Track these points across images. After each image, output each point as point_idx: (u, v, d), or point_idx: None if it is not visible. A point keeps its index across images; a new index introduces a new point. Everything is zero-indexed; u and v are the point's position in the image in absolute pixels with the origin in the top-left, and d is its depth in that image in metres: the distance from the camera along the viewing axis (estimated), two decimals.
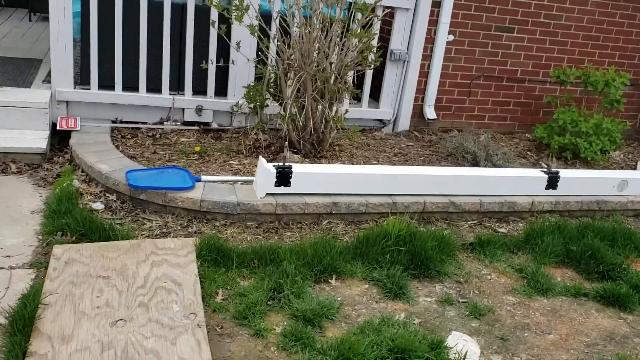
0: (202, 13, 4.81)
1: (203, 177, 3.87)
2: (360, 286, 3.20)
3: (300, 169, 3.79)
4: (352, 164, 4.68)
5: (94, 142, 4.38)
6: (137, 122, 4.99)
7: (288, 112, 4.23)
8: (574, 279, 3.59)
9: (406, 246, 3.40)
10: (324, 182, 3.83)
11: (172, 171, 3.91)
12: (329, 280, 3.19)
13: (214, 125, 5.17)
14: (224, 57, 4.83)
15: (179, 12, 4.88)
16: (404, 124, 5.68)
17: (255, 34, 4.11)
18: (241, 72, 4.92)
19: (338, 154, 4.82)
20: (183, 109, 5.06)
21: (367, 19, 4.50)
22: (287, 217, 3.80)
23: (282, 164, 3.76)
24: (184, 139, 4.87)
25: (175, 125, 5.05)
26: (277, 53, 4.25)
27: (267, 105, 4.38)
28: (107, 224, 3.41)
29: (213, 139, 4.94)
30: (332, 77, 4.33)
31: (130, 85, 4.94)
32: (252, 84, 4.25)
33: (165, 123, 5.03)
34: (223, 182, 3.93)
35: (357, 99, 5.50)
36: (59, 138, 4.63)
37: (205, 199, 3.63)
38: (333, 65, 4.27)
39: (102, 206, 3.71)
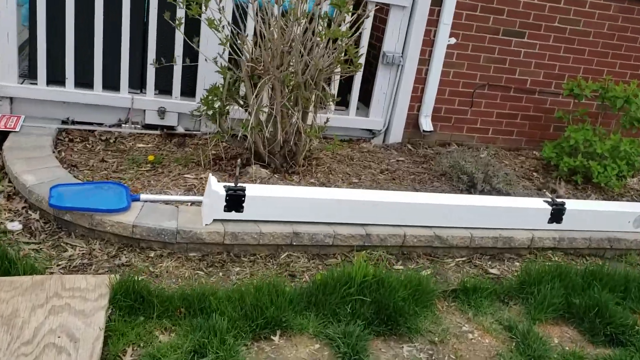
0: (167, 2, 4.23)
1: (142, 196, 3.29)
2: (310, 346, 2.60)
3: (256, 192, 3.20)
4: (329, 181, 4.08)
5: (31, 146, 3.82)
6: (91, 124, 4.43)
7: (252, 120, 3.64)
8: (575, 340, 2.97)
9: (372, 295, 2.80)
10: (283, 207, 3.24)
11: (108, 187, 3.34)
12: (272, 337, 2.60)
13: (180, 130, 4.60)
14: (193, 52, 4.24)
15: (140, 1, 4.30)
16: (397, 135, 5.07)
17: (219, 28, 3.51)
18: (212, 72, 4.33)
19: (314, 169, 4.22)
20: (144, 111, 4.49)
21: (353, 16, 3.90)
22: (238, 248, 3.22)
23: (233, 184, 3.17)
24: (141, 145, 4.29)
25: (135, 128, 4.48)
26: (238, 52, 3.64)
27: (228, 112, 3.79)
28: (14, 251, 2.86)
29: (175, 146, 4.36)
30: (305, 83, 3.73)
31: (84, 81, 4.37)
32: (212, 87, 3.66)
33: (123, 125, 4.47)
34: (166, 202, 3.36)
35: (342, 104, 4.90)
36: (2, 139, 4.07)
37: (139, 224, 3.06)
38: (307, 69, 3.66)
39: (20, 227, 3.15)
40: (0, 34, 4.06)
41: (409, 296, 2.86)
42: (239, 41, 3.48)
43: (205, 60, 4.05)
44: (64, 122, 4.36)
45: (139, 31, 4.38)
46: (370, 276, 2.82)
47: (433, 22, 4.82)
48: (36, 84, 4.27)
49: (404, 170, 4.59)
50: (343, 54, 3.71)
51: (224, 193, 3.12)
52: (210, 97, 3.61)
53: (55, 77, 4.34)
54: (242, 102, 3.82)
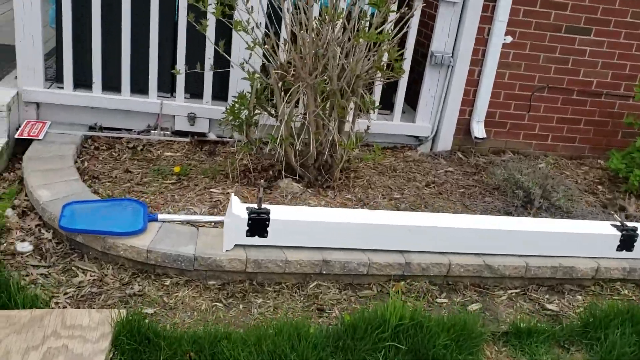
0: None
1: (160, 216, 3.02)
2: None
3: (281, 214, 2.89)
4: (367, 197, 3.72)
5: (52, 156, 3.61)
6: (120, 129, 4.21)
7: (282, 131, 3.32)
8: None
9: (408, 341, 2.44)
10: (312, 231, 2.92)
11: (125, 205, 3.09)
12: None
13: (211, 137, 4.33)
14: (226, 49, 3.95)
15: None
16: (446, 142, 4.66)
17: (247, 30, 3.20)
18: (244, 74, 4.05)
19: (352, 182, 3.87)
20: (173, 116, 4.23)
21: (397, 15, 3.51)
22: (261, 277, 2.91)
23: (257, 206, 2.86)
24: (169, 153, 4.05)
25: (164, 135, 4.23)
26: (268, 57, 3.32)
27: (257, 123, 3.47)
28: (20, 276, 2.64)
29: (205, 155, 4.10)
30: (341, 90, 3.38)
31: (113, 84, 4.15)
32: (239, 95, 3.35)
33: (152, 132, 4.23)
34: (186, 222, 3.08)
35: (386, 107, 4.53)
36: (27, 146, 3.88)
37: (154, 249, 2.79)
38: (343, 75, 3.31)
39: (30, 248, 2.94)
40: (25, 37, 3.87)
41: (452, 342, 2.49)
42: (267, 45, 3.16)
43: (232, 66, 3.75)
44: (91, 128, 4.16)
45: (168, 32, 4.12)
46: (407, 319, 2.46)
47: (487, 18, 4.38)
48: (63, 88, 4.07)
49: (453, 183, 4.18)
50: (384, 58, 3.34)
51: (246, 216, 2.82)
52: (236, 106, 3.31)
53: (83, 81, 4.14)
54: (272, 111, 3.51)
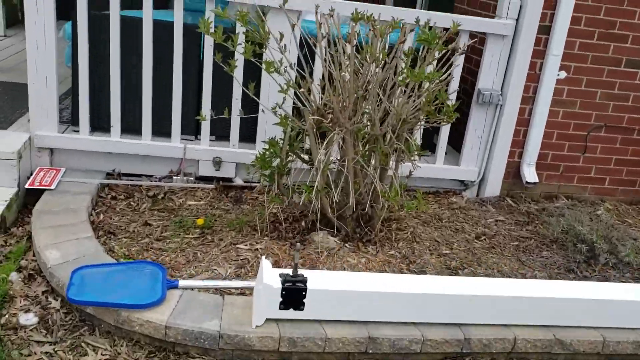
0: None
1: (181, 283, 2.65)
2: None
3: (319, 282, 2.49)
4: (413, 253, 3.32)
5: (64, 209, 3.29)
6: (140, 176, 3.89)
7: (318, 182, 2.95)
8: None
9: None
10: (356, 303, 2.52)
11: (141, 269, 2.73)
12: None
13: (238, 182, 3.98)
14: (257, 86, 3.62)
15: (195, 36, 3.74)
16: (494, 187, 4.24)
17: (280, 70, 2.86)
18: (274, 115, 3.72)
19: (394, 234, 3.48)
20: (198, 161, 3.90)
21: (443, 52, 3.15)
22: (297, 356, 2.51)
23: (291, 273, 2.47)
24: (192, 202, 3.70)
25: (187, 181, 3.89)
26: (301, 99, 2.96)
27: (289, 172, 3.11)
28: (21, 355, 2.28)
29: (231, 202, 3.74)
30: (384, 135, 3.01)
31: (133, 127, 3.85)
32: (269, 141, 3.00)
33: (174, 178, 3.89)
34: (210, 289, 2.71)
35: (427, 148, 4.13)
36: (39, 195, 3.56)
37: (173, 325, 2.42)
38: (386, 118, 2.94)
39: (35, 320, 2.58)
40: (38, 78, 3.59)
41: None
42: (302, 89, 2.80)
43: (263, 111, 3.42)
44: (109, 175, 3.85)
45: (193, 70, 3.82)
46: None
47: (539, 53, 3.99)
48: (79, 132, 3.77)
49: (505, 235, 3.76)
50: (433, 100, 2.96)
51: (280, 286, 2.43)
52: (267, 155, 2.95)
53: (101, 124, 3.84)
54: (306, 158, 3.15)
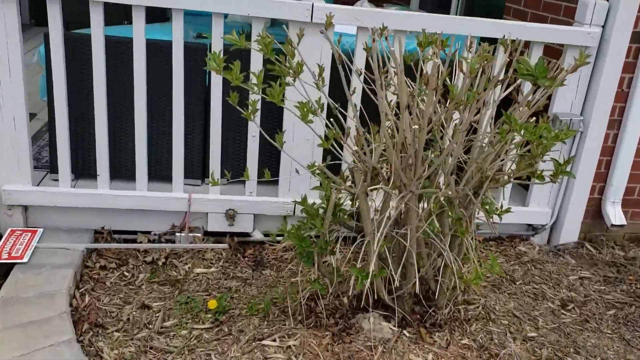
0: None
1: None
2: None
3: None
4: (492, 340, 2.55)
5: (37, 293, 2.53)
6: (135, 232, 3.13)
7: (372, 264, 2.17)
8: None
9: None
10: None
11: None
12: None
13: (256, 236, 3.22)
14: (276, 126, 2.85)
15: (200, 55, 2.97)
16: (571, 232, 3.46)
17: (318, 113, 2.08)
18: (303, 151, 2.95)
19: (462, 311, 2.70)
20: (206, 213, 3.14)
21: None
22: None
23: None
24: (200, 270, 2.94)
25: (194, 239, 3.13)
26: (340, 151, 2.18)
27: (334, 252, 2.32)
28: None
29: (250, 266, 2.99)
30: (461, 197, 2.23)
31: (125, 171, 3.10)
32: (309, 210, 2.21)
33: (178, 234, 3.13)
34: None
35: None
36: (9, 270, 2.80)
37: None
38: (462, 176, 2.17)
39: None
40: (3, 119, 2.82)
41: None
42: (354, 145, 2.02)
43: (292, 173, 2.65)
44: (97, 233, 3.09)
45: (197, 99, 3.06)
46: None
47: (628, 66, 3.20)
48: (58, 182, 3.01)
49: (597, 300, 2.98)
50: (523, 145, 2.19)
51: None
52: (302, 228, 2.17)
53: (86, 169, 3.10)
54: (352, 224, 2.37)
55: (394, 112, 2.14)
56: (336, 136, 2.05)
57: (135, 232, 3.14)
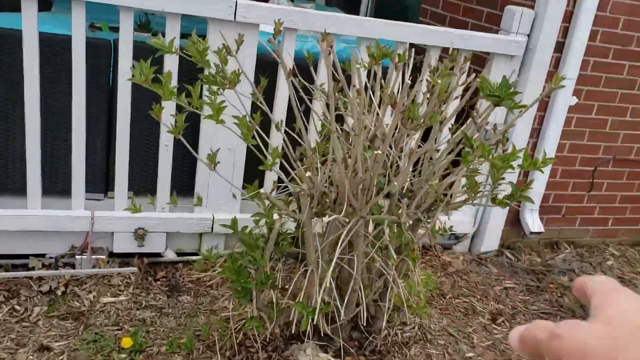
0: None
1: None
2: None
3: None
4: None
5: None
6: (27, 256, 2.70)
7: (318, 296, 1.95)
8: None
9: None
10: None
11: None
12: None
13: (169, 255, 2.90)
14: (190, 131, 2.53)
15: (102, 51, 2.59)
16: (492, 240, 3.45)
17: (248, 134, 1.81)
18: (223, 165, 2.66)
19: (400, 333, 2.56)
20: (112, 233, 2.76)
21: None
22: None
23: None
24: (108, 299, 2.58)
25: (97, 260, 2.75)
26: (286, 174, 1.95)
27: (277, 286, 2.07)
28: None
29: (164, 292, 2.67)
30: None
31: (14, 185, 2.65)
32: (247, 242, 1.94)
33: (78, 257, 2.73)
34: None
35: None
36: None
37: None
38: (413, 199, 2.01)
39: None
40: None
41: None
42: (303, 165, 1.78)
43: (210, 185, 2.34)
44: None
45: (100, 101, 2.68)
46: None
47: (549, 75, 3.21)
48: None
49: (523, 311, 2.97)
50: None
51: None
52: (239, 262, 1.90)
53: None
54: (296, 252, 2.14)
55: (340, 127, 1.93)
56: (278, 156, 1.80)
57: (26, 256, 2.70)
